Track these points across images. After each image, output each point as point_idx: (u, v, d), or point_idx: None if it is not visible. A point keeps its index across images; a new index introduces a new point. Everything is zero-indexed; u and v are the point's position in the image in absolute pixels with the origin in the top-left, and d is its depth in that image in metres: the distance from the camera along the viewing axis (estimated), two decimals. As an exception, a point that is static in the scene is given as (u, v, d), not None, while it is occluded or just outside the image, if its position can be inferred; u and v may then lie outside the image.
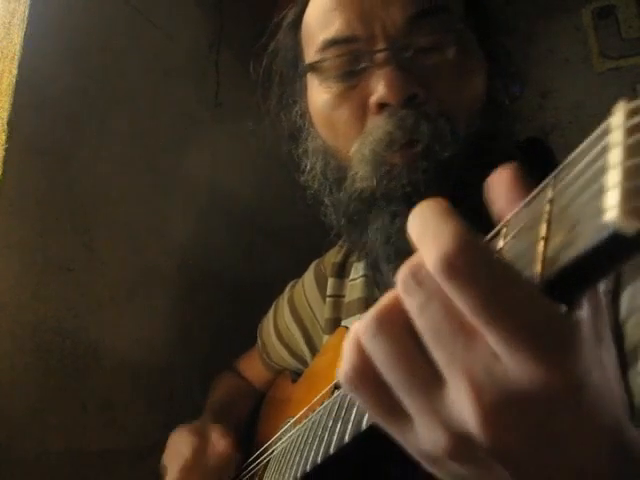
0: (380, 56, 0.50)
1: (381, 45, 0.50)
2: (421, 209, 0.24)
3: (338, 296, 0.74)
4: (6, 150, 0.70)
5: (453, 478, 0.26)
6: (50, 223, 0.76)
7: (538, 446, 0.23)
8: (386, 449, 0.27)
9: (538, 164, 0.58)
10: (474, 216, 0.51)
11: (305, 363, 0.83)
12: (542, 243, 0.21)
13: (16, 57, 0.73)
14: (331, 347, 0.64)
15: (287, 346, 0.85)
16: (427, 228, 0.23)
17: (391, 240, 0.51)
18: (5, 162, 0.70)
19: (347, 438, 0.35)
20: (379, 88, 0.49)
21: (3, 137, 0.70)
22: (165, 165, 0.96)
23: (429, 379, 0.24)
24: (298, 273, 0.87)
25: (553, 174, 0.23)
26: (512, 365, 0.22)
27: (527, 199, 0.24)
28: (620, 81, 1.29)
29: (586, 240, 0.19)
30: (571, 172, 0.21)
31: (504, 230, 0.25)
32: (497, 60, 0.56)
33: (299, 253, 0.79)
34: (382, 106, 0.50)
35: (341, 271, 0.75)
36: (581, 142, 0.22)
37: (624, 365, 0.39)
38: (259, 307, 0.92)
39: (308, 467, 0.43)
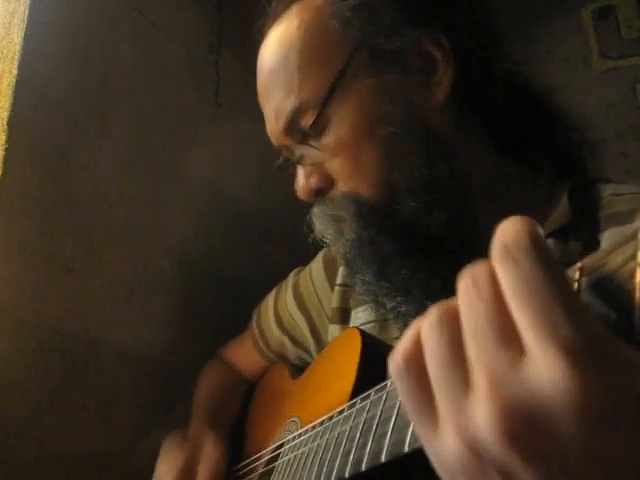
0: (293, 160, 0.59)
1: (287, 156, 0.59)
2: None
3: (348, 285, 0.73)
4: (6, 150, 0.70)
5: None
6: (50, 223, 0.76)
7: (550, 470, 0.21)
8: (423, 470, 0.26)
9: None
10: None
11: (308, 351, 0.82)
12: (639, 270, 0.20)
13: (16, 57, 0.73)
14: (340, 346, 0.63)
15: (288, 333, 0.84)
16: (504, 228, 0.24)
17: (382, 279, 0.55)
18: (5, 162, 0.70)
19: (384, 457, 0.33)
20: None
21: (3, 137, 0.70)
22: (165, 165, 0.95)
23: (462, 379, 0.24)
24: (298, 273, 0.87)
25: None
26: (537, 360, 0.21)
27: (609, 244, 0.23)
28: (620, 81, 1.29)
29: None
30: None
31: (578, 267, 0.24)
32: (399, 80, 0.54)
33: (299, 253, 0.79)
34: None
35: None
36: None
37: None
38: (259, 307, 0.92)
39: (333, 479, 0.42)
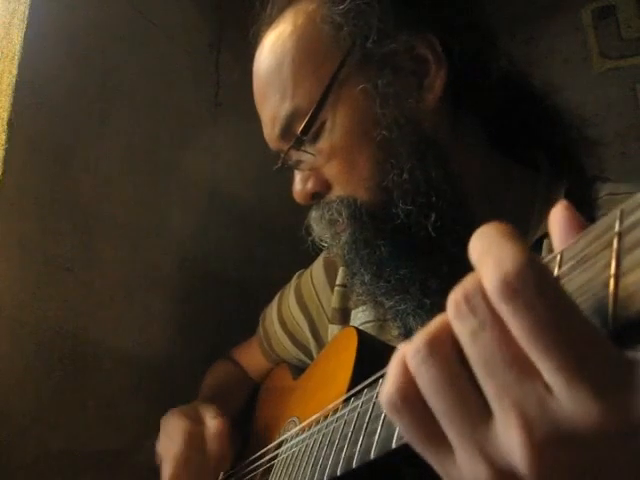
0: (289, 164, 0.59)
1: (285, 160, 0.58)
2: (483, 230, 0.23)
3: (348, 286, 0.73)
4: (6, 150, 0.70)
5: None
6: (50, 223, 0.76)
7: None
8: (412, 463, 0.26)
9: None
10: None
11: (309, 353, 0.82)
12: (612, 280, 0.20)
13: (16, 57, 0.73)
14: (337, 346, 0.63)
15: (290, 334, 0.84)
16: (489, 248, 0.22)
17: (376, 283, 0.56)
18: (5, 162, 0.70)
19: (373, 454, 0.34)
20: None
21: (3, 137, 0.70)
22: (165, 164, 0.96)
23: (476, 410, 0.23)
24: (298, 273, 0.87)
25: (620, 206, 0.21)
26: (566, 400, 0.21)
27: (588, 229, 0.23)
28: (620, 81, 1.29)
29: None
30: (636, 213, 0.20)
31: (558, 258, 0.24)
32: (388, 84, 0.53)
33: (299, 253, 0.79)
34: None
35: None
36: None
37: None
38: (259, 307, 0.92)
39: (325, 477, 0.42)
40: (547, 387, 0.21)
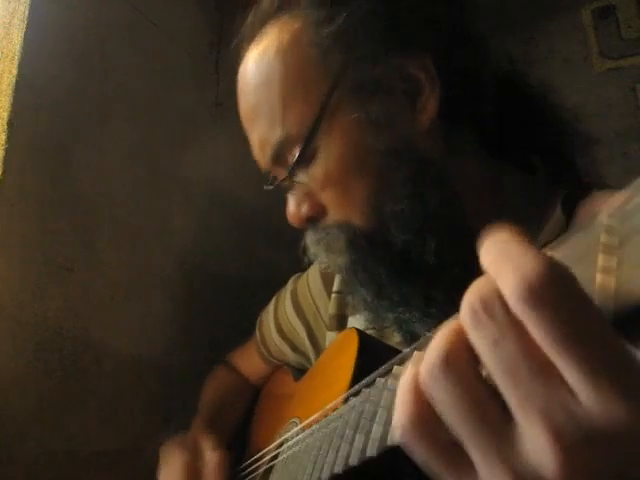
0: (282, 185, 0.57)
1: (277, 181, 0.57)
2: (496, 235, 0.23)
3: (345, 292, 0.73)
4: (6, 150, 0.70)
5: None
6: (50, 223, 0.76)
7: None
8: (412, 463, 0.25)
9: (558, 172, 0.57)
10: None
11: (307, 358, 0.82)
12: (602, 275, 0.20)
13: (16, 57, 0.73)
14: (339, 347, 0.63)
15: (288, 340, 0.84)
16: (506, 253, 0.22)
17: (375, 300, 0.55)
18: (5, 162, 0.70)
19: (369, 452, 0.34)
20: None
21: (3, 137, 0.70)
22: (165, 165, 0.95)
23: (498, 423, 0.23)
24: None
25: (607, 204, 0.21)
26: (594, 404, 0.20)
27: (576, 228, 0.23)
28: (620, 81, 1.29)
29: None
30: (631, 202, 0.20)
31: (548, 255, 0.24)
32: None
33: (299, 254, 0.79)
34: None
35: None
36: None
37: None
38: (259, 307, 0.92)
39: (325, 476, 0.42)
40: (572, 392, 0.21)
